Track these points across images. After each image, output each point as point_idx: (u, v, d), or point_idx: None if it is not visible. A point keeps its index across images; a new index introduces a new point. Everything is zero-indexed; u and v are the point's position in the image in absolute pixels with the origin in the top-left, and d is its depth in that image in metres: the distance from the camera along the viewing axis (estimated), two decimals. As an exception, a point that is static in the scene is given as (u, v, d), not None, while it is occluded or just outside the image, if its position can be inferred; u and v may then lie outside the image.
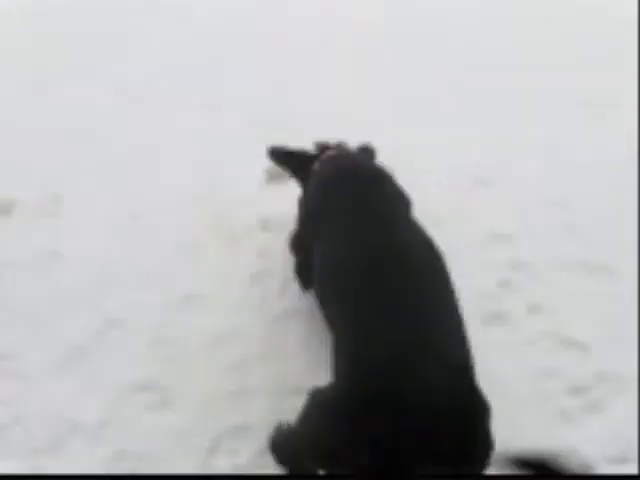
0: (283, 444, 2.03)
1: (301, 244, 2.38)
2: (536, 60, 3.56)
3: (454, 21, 4.04)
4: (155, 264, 2.70)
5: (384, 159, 2.83)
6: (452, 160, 3.07)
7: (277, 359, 2.42)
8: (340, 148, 2.49)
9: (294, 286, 2.60)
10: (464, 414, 1.56)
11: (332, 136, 2.60)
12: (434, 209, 2.81)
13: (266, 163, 2.98)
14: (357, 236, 1.92)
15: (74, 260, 2.76)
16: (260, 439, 2.18)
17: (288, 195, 2.91)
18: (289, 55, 3.83)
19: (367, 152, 2.53)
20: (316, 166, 2.41)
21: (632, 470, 2.10)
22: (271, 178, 3.00)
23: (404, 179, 2.90)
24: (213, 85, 3.55)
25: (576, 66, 3.54)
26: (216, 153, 3.11)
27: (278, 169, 2.97)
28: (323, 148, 2.51)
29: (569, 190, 2.95)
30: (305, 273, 2.46)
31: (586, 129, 3.25)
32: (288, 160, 2.57)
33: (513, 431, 1.93)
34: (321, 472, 1.73)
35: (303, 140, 2.67)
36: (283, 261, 2.70)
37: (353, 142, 2.58)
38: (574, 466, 1.63)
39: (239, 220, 2.85)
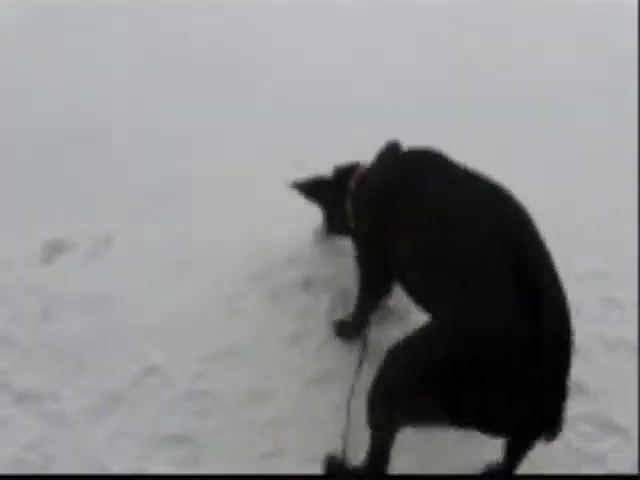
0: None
1: (373, 255, 2.38)
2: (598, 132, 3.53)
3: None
4: (196, 316, 2.72)
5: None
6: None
7: (311, 423, 2.39)
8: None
9: (333, 348, 2.59)
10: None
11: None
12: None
13: (315, 223, 3.03)
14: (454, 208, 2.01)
15: (118, 305, 2.78)
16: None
17: (334, 256, 2.93)
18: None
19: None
20: (352, 183, 2.54)
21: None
22: (319, 239, 3.00)
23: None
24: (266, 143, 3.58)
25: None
26: (266, 210, 3.13)
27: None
28: (345, 169, 2.64)
29: (612, 263, 2.89)
30: (381, 281, 2.43)
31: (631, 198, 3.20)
32: (314, 190, 2.75)
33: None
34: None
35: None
36: (323, 323, 2.69)
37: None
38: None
39: (283, 278, 2.85)
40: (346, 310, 2.71)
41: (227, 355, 2.60)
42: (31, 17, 4.35)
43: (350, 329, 2.63)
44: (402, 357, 1.92)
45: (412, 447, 2.27)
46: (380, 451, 2.08)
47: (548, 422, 1.75)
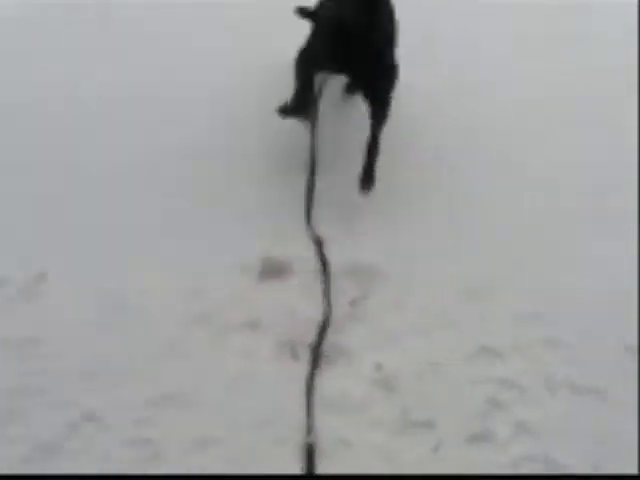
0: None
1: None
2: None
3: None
4: (137, 359, 2.62)
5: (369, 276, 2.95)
6: (440, 270, 3.06)
7: (260, 467, 2.33)
8: None
9: (278, 391, 2.54)
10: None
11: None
12: (424, 320, 2.81)
13: (260, 255, 3.00)
14: None
15: (52, 347, 2.66)
16: None
17: (280, 293, 2.88)
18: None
19: None
20: None
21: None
22: (264, 274, 2.94)
23: (392, 290, 2.91)
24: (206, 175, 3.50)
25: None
26: (204, 244, 3.06)
27: (273, 263, 2.99)
28: None
29: (553, 304, 2.93)
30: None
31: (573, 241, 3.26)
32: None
33: None
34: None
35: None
36: (268, 364, 2.64)
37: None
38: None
39: (225, 319, 2.78)
40: (293, 351, 2.69)
41: (169, 400, 2.51)
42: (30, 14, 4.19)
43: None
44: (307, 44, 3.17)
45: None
46: (302, 87, 3.21)
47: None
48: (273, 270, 2.95)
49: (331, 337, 2.72)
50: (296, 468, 2.34)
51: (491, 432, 2.49)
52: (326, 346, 2.69)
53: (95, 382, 2.55)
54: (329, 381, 2.58)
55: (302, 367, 2.62)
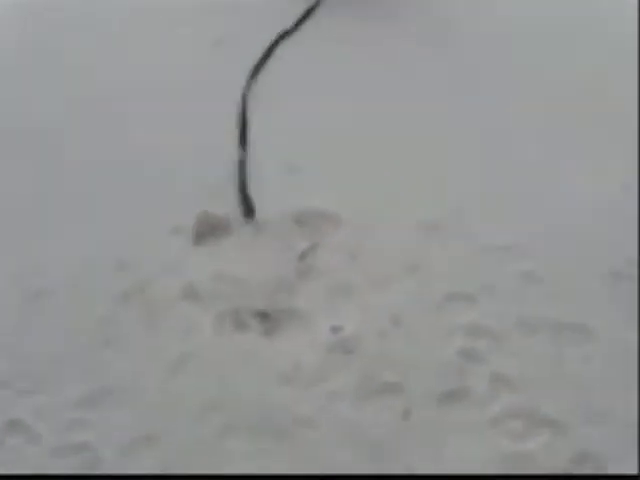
0: None
1: None
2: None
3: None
4: (63, 353, 2.32)
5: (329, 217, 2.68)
6: (397, 206, 2.76)
7: (206, 466, 2.05)
8: None
9: (220, 371, 2.26)
10: None
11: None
12: (382, 268, 2.52)
13: (194, 216, 2.68)
14: None
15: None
16: None
17: (217, 258, 2.58)
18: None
19: None
20: None
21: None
22: (198, 238, 2.63)
23: (346, 237, 2.62)
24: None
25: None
26: (132, 207, 2.75)
27: (208, 223, 2.67)
28: None
29: (526, 234, 2.65)
30: None
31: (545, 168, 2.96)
32: None
33: None
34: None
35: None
36: (212, 338, 2.35)
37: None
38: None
39: (159, 291, 2.48)
40: (237, 320, 2.39)
41: (102, 396, 2.22)
42: None
43: None
44: None
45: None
46: None
47: None
48: (208, 231, 2.64)
49: (280, 300, 2.43)
50: (249, 458, 2.06)
51: (466, 388, 2.21)
52: (276, 311, 2.39)
53: (19, 387, 2.26)
54: (281, 351, 2.30)
55: (248, 338, 2.34)
